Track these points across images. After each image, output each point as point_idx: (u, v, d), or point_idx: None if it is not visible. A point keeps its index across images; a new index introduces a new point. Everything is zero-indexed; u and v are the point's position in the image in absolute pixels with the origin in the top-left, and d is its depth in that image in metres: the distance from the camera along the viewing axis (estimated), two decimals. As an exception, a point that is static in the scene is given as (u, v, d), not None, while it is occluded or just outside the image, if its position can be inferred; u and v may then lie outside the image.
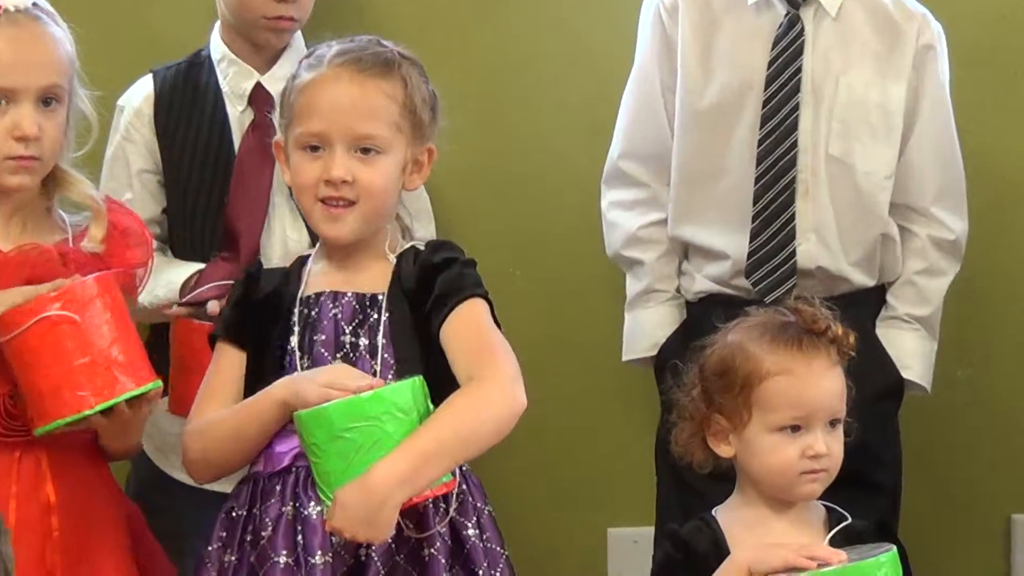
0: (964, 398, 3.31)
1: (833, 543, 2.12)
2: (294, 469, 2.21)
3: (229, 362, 2.30)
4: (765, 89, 2.79)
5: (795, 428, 2.14)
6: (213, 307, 2.59)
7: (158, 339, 2.71)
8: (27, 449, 2.25)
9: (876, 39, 2.82)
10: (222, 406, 2.27)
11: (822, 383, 2.16)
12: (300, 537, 2.17)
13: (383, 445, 2.07)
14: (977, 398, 3.33)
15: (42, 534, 2.23)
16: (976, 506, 3.37)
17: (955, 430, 3.34)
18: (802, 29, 2.79)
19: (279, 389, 2.20)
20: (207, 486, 2.37)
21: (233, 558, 2.21)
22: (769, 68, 2.79)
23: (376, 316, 2.24)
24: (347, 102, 2.23)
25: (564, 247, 3.28)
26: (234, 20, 2.81)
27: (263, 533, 2.19)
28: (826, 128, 2.79)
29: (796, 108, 2.78)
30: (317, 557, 2.16)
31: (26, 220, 2.31)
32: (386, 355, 2.22)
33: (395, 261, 2.28)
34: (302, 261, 2.34)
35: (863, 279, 2.84)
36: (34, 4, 2.28)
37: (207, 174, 2.81)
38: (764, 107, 2.78)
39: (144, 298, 2.49)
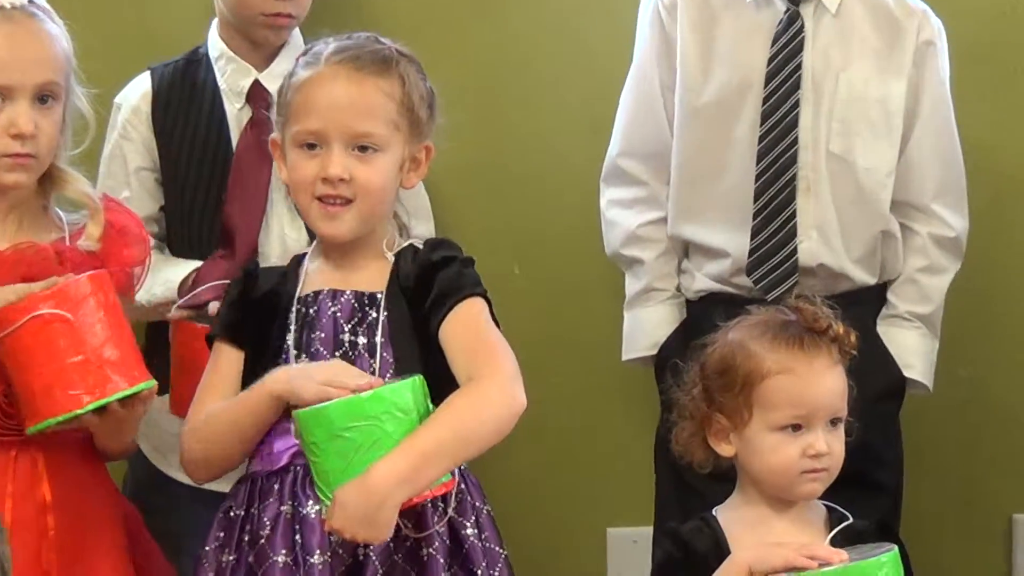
0: (965, 396, 3.31)
1: (834, 543, 2.12)
2: (292, 468, 2.21)
3: (227, 361, 2.29)
4: (765, 86, 2.78)
5: (796, 427, 2.14)
6: (214, 308, 2.58)
7: (156, 341, 2.70)
8: (23, 448, 2.24)
9: (876, 35, 2.82)
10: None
11: (823, 382, 2.15)
12: (298, 536, 2.17)
13: (383, 445, 2.07)
14: (978, 396, 3.33)
15: (38, 533, 2.23)
16: (977, 505, 3.36)
17: (956, 429, 3.33)
18: (802, 26, 2.79)
19: (273, 383, 2.20)
20: (205, 485, 2.37)
21: (231, 558, 2.21)
22: (769, 65, 2.78)
23: (375, 315, 2.24)
24: (344, 100, 2.22)
25: (563, 246, 3.27)
26: (232, 17, 2.81)
27: (261, 533, 2.19)
28: (826, 125, 2.79)
29: (796, 105, 2.77)
30: (315, 556, 2.15)
31: (22, 218, 2.30)
32: (385, 354, 2.22)
33: (393, 259, 2.27)
34: (299, 260, 2.34)
35: (864, 277, 2.84)
36: (30, 1, 2.27)
37: (205, 172, 2.80)
38: (764, 104, 2.78)
39: (142, 296, 2.49)
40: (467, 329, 2.22)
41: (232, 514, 2.24)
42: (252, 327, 2.29)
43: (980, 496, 3.36)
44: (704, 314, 2.70)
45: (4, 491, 2.22)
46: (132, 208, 2.48)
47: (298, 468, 2.20)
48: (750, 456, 2.16)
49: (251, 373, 2.26)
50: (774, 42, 2.79)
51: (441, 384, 2.16)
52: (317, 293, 2.27)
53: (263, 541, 2.18)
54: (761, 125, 2.78)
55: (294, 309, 2.27)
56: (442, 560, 2.18)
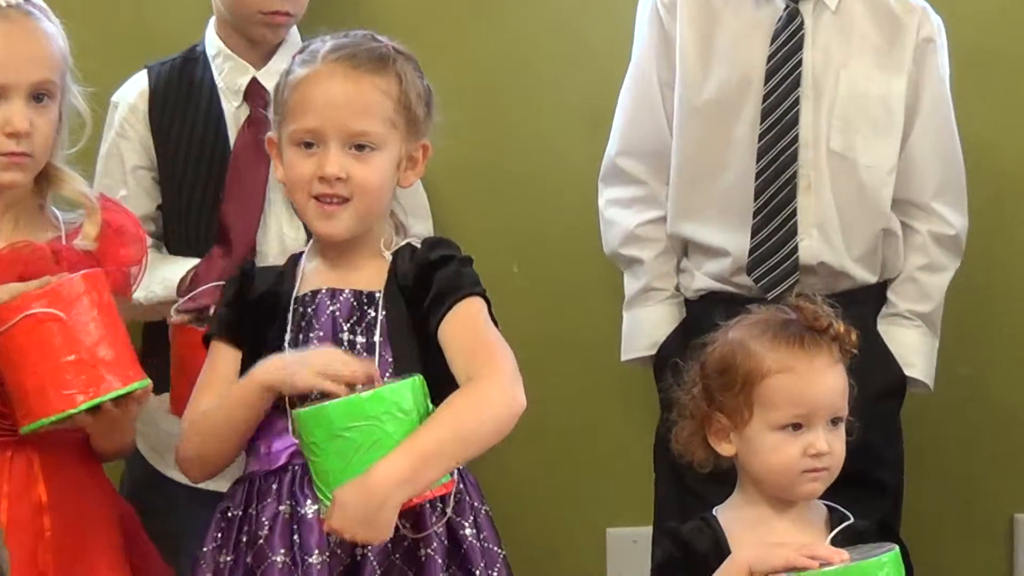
0: (966, 395, 3.31)
1: (835, 543, 2.12)
2: (290, 468, 2.21)
3: (224, 360, 2.29)
4: (765, 84, 2.78)
5: (796, 426, 2.13)
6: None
7: (154, 341, 2.70)
8: (19, 449, 2.24)
9: (876, 32, 2.81)
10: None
11: (824, 381, 2.15)
12: (296, 536, 2.17)
13: (383, 445, 2.06)
14: (979, 395, 3.33)
15: (34, 534, 2.22)
16: (979, 505, 3.36)
17: (957, 428, 3.33)
18: (802, 23, 2.78)
19: (264, 373, 2.19)
20: (202, 485, 2.36)
21: (229, 558, 2.21)
22: (769, 62, 2.78)
23: (373, 314, 2.23)
24: (341, 98, 2.21)
25: (563, 245, 3.27)
26: (230, 15, 2.80)
27: (259, 533, 2.18)
28: (827, 122, 2.78)
29: (796, 102, 2.76)
30: (314, 556, 2.15)
31: (18, 217, 2.30)
32: (384, 353, 2.21)
33: (391, 258, 2.27)
34: (295, 259, 2.33)
35: (865, 275, 2.83)
36: (26, -1, 2.27)
37: (202, 170, 2.80)
38: (764, 102, 2.77)
39: (140, 295, 2.50)
40: (466, 329, 2.21)
41: (230, 514, 2.23)
42: (249, 327, 2.28)
43: (981, 495, 3.36)
44: (704, 313, 2.70)
45: (0, 492, 2.21)
46: (129, 207, 2.48)
47: (296, 468, 2.19)
48: (750, 455, 2.16)
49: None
50: (774, 39, 2.78)
51: (440, 384, 2.16)
52: (315, 292, 2.26)
53: (261, 541, 2.17)
54: (761, 123, 2.77)
55: (292, 309, 2.26)
56: (440, 560, 2.18)
